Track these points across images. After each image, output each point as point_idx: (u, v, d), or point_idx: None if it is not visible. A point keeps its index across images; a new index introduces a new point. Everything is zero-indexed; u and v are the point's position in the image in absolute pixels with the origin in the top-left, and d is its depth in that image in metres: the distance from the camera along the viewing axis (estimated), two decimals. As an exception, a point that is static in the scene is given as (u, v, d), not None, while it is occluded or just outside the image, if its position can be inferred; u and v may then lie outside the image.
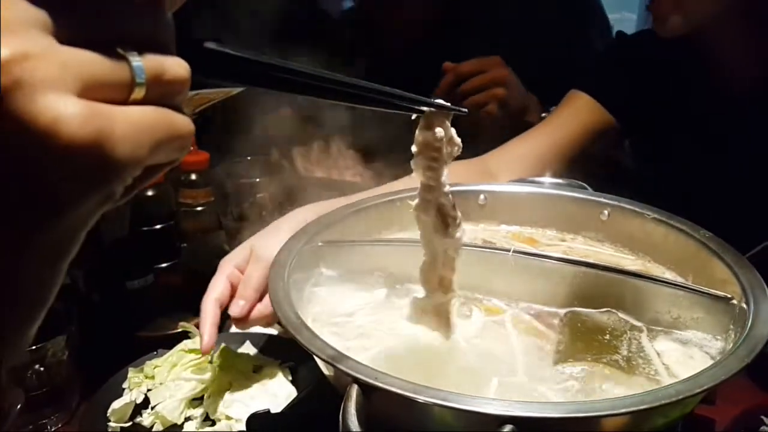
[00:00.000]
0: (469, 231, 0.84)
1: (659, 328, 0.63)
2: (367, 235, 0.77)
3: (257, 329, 0.85)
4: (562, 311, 0.66)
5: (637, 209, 0.77)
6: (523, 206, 0.83)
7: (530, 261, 0.69)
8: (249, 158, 1.05)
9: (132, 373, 0.78)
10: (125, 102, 0.29)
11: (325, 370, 0.56)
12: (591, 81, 1.10)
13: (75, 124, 0.26)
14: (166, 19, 0.31)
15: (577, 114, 1.07)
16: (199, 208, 1.12)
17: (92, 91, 0.28)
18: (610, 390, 0.53)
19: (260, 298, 0.74)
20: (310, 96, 0.41)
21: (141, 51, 0.30)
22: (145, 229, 0.89)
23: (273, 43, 0.97)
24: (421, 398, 0.45)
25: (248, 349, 0.84)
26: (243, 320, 0.74)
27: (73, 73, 0.27)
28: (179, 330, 0.84)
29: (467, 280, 0.69)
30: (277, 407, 0.73)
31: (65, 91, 0.27)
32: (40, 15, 0.27)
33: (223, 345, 0.79)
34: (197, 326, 0.85)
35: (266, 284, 0.68)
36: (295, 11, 1.32)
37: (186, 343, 0.82)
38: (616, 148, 1.18)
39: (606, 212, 0.79)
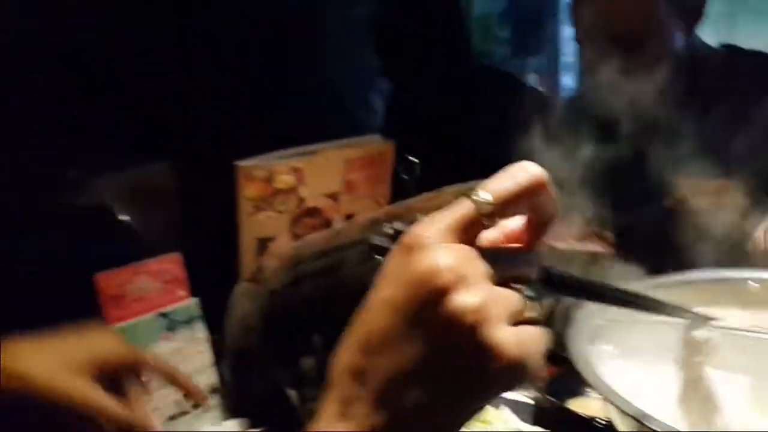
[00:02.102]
0: (738, 317, 0.83)
1: None
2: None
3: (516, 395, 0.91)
4: None
5: None
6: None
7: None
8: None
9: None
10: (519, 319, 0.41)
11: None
12: None
13: (512, 348, 0.38)
14: (538, 260, 0.44)
15: None
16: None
17: (512, 318, 0.40)
18: None
19: None
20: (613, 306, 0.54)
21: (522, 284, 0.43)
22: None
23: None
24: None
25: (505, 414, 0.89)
26: None
27: (505, 308, 0.39)
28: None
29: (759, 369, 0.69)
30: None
31: (503, 323, 0.39)
32: (486, 269, 0.40)
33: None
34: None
35: None
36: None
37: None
38: None
39: None
